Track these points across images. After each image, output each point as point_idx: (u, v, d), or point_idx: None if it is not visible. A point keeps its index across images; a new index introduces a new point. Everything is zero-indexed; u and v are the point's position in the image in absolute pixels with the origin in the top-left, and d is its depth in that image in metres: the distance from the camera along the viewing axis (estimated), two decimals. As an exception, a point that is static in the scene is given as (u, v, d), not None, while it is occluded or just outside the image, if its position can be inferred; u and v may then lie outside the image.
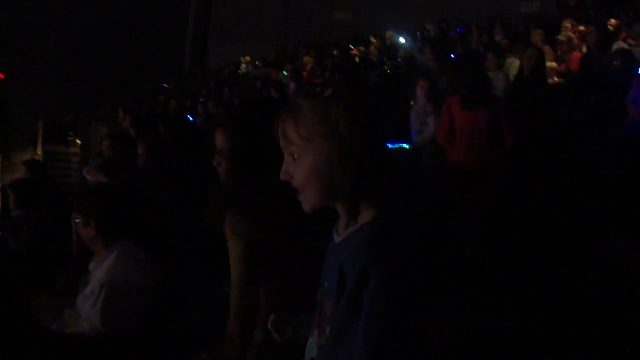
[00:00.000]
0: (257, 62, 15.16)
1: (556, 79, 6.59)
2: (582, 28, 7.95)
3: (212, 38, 19.78)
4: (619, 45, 6.62)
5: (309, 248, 2.10)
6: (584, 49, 7.21)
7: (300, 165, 1.32)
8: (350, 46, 12.80)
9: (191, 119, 10.62)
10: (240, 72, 15.34)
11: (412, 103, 5.71)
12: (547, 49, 7.30)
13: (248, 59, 16.23)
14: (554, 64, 6.95)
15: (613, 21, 7.64)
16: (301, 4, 17.69)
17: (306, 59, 12.53)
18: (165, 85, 13.57)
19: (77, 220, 2.93)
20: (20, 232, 4.48)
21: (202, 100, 11.42)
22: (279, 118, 1.37)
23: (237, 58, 16.61)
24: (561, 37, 7.76)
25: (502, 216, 4.32)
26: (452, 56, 8.31)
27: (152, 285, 2.92)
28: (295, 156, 1.33)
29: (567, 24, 8.42)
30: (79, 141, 10.18)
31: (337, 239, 1.39)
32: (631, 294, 3.34)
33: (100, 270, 2.89)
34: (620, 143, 4.37)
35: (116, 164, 4.68)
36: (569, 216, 4.00)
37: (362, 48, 12.22)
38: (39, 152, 10.05)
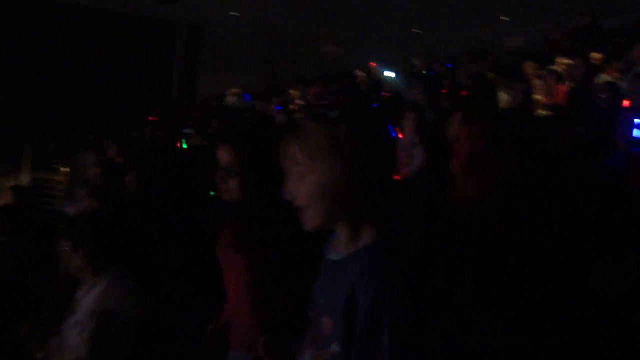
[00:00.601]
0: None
1: (543, 112, 6.65)
2: (566, 60, 8.03)
3: (200, 69, 19.90)
4: (604, 78, 6.71)
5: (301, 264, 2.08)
6: (570, 83, 7.30)
7: (305, 184, 1.33)
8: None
9: (179, 147, 10.65)
10: (224, 103, 15.37)
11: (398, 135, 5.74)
12: (537, 82, 7.40)
13: (234, 90, 16.30)
14: (542, 97, 7.04)
15: (597, 54, 7.76)
16: (290, 37, 17.83)
17: (292, 92, 12.67)
18: (151, 118, 13.53)
19: (65, 247, 2.89)
20: (3, 259, 4.40)
21: (188, 130, 11.40)
22: (283, 138, 1.38)
23: (224, 89, 16.70)
24: (548, 69, 7.85)
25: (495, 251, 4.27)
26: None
27: (141, 314, 2.88)
28: (300, 176, 1.33)
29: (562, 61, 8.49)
30: (63, 169, 10.11)
31: (336, 255, 1.39)
32: (623, 321, 3.35)
33: (88, 298, 2.84)
34: (607, 173, 4.41)
35: (107, 190, 4.67)
36: (559, 247, 4.00)
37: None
38: (24, 178, 9.97)
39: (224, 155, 2.15)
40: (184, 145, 10.77)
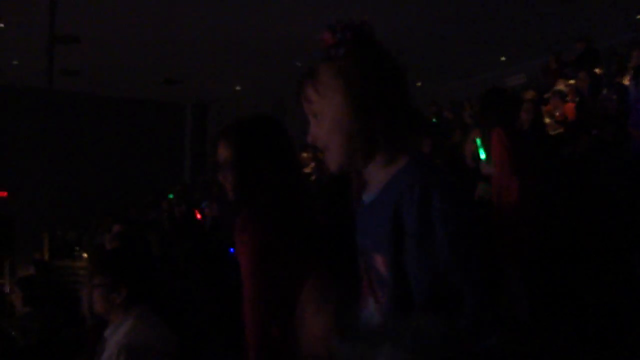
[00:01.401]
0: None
1: (555, 130, 6.65)
2: (572, 81, 8.10)
3: (210, 146, 20.15)
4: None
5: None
6: (576, 99, 7.32)
7: (322, 122, 1.37)
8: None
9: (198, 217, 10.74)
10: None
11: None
12: (542, 108, 7.42)
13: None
14: (550, 120, 7.05)
15: (598, 70, 7.84)
16: (297, 111, 18.12)
17: (304, 155, 12.81)
18: (171, 196, 13.68)
19: (101, 283, 2.78)
20: (29, 329, 4.35)
21: (205, 205, 11.51)
22: (300, 83, 1.41)
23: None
24: (552, 91, 7.90)
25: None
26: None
27: (173, 352, 2.78)
28: (317, 115, 1.38)
29: (560, 83, 8.59)
30: (85, 255, 10.14)
31: (371, 195, 1.37)
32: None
33: (116, 335, 2.74)
34: (630, 164, 4.35)
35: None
36: (597, 245, 3.91)
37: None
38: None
39: (223, 152, 2.14)
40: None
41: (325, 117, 1.36)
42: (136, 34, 12.28)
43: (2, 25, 11.52)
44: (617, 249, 3.69)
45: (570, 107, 7.12)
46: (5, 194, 15.42)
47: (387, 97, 1.32)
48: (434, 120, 11.61)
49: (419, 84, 16.11)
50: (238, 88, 17.83)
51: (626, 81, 6.50)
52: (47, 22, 10.65)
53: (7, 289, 7.71)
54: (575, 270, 3.89)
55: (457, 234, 1.17)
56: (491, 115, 4.10)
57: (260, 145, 2.11)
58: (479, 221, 1.26)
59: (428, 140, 5.38)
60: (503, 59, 15.17)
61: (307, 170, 10.88)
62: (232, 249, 6.87)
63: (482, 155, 4.20)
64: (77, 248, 10.64)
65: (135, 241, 4.62)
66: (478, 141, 4.24)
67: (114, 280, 2.70)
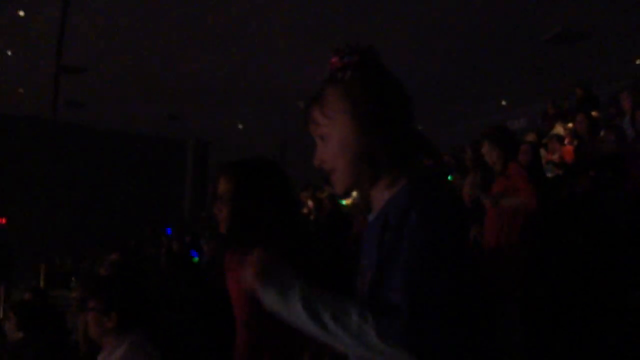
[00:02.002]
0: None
1: (552, 172, 6.67)
2: (570, 125, 8.16)
3: (210, 183, 20.19)
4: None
5: None
6: (574, 142, 7.37)
7: (329, 144, 1.38)
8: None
9: (195, 255, 10.71)
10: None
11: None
12: (541, 151, 7.48)
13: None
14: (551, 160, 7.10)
15: (595, 113, 7.93)
16: (296, 146, 18.27)
17: (303, 194, 12.83)
18: (169, 232, 13.64)
19: (94, 308, 2.78)
20: (21, 355, 4.30)
21: (204, 242, 11.48)
22: (306, 107, 1.43)
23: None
24: (550, 135, 7.96)
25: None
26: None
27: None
28: (324, 138, 1.39)
29: (558, 127, 8.69)
30: (78, 284, 10.07)
31: (371, 217, 1.40)
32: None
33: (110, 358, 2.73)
34: (627, 202, 4.37)
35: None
36: (592, 279, 3.90)
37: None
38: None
39: (221, 185, 2.19)
40: (195, 260, 10.93)
41: (332, 139, 1.37)
42: (142, 68, 12.44)
43: (9, 52, 11.67)
44: (615, 288, 3.68)
45: (568, 149, 7.17)
46: (4, 220, 15.43)
47: (392, 120, 1.34)
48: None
49: (419, 127, 16.26)
50: (240, 126, 17.96)
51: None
52: (55, 52, 10.77)
53: (0, 315, 7.63)
54: (573, 310, 3.87)
55: (421, 250, 1.17)
56: (504, 150, 4.15)
57: (258, 181, 2.16)
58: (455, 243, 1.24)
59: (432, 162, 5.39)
60: (504, 103, 15.31)
61: (306, 210, 10.88)
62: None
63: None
64: (74, 279, 10.55)
65: (130, 269, 4.61)
66: None
67: (105, 304, 2.70)
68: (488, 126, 4.58)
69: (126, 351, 2.67)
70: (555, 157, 7.22)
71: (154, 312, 3.16)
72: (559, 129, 8.44)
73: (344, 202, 9.67)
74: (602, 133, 6.63)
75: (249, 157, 2.30)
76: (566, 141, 7.60)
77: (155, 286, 5.18)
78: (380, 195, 1.36)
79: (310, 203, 11.18)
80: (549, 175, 6.35)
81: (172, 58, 12.00)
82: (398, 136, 1.34)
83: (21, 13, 9.84)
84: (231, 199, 2.14)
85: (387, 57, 1.40)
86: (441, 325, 1.14)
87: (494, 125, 4.45)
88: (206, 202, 19.95)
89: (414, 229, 1.18)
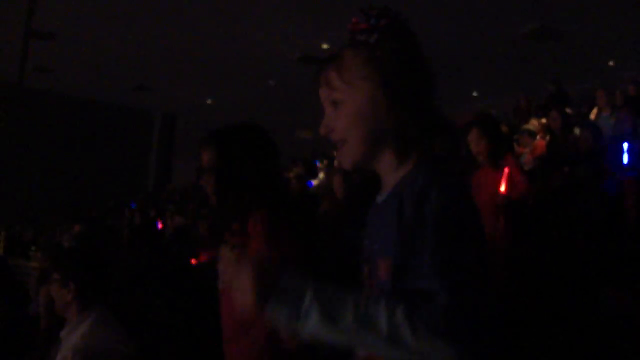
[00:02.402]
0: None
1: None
2: (544, 120, 8.23)
3: (177, 157, 20.02)
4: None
5: None
6: (547, 138, 7.44)
7: (343, 111, 1.25)
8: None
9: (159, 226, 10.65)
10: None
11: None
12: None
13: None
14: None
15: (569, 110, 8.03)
16: (265, 124, 18.12)
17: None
18: (133, 205, 13.47)
19: (55, 279, 2.69)
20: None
21: (169, 212, 11.37)
22: (320, 68, 1.30)
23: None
24: (522, 129, 8.02)
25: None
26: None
27: (131, 356, 2.66)
28: (338, 103, 1.26)
29: (534, 122, 8.75)
30: (40, 255, 9.86)
31: (380, 197, 1.30)
32: (631, 344, 3.25)
33: (73, 336, 2.62)
34: (602, 200, 4.41)
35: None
36: (564, 275, 3.93)
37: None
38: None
39: (204, 155, 2.13)
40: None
41: (347, 107, 1.25)
42: (113, 36, 12.18)
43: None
44: (589, 283, 3.71)
45: (541, 144, 7.23)
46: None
47: (421, 93, 1.24)
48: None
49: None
50: (209, 101, 17.75)
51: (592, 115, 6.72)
52: (24, 17, 10.45)
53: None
54: (542, 307, 3.89)
55: (447, 233, 1.08)
56: (494, 140, 3.99)
57: (240, 146, 2.10)
58: (476, 222, 1.16)
59: (446, 145, 5.33)
60: (475, 94, 15.41)
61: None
62: (192, 261, 6.79)
63: None
64: (33, 248, 10.33)
65: (94, 242, 4.49)
66: None
67: (63, 276, 2.64)
68: (458, 115, 4.42)
69: (90, 327, 2.60)
70: (526, 151, 7.27)
71: (116, 286, 3.10)
72: (533, 123, 8.51)
73: (314, 182, 9.65)
74: (576, 130, 6.73)
75: (233, 123, 2.21)
76: (538, 136, 7.66)
77: (119, 259, 5.06)
78: (391, 175, 1.26)
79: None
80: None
81: (143, 28, 11.76)
82: (425, 112, 1.24)
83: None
84: (214, 167, 2.08)
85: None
86: (477, 309, 1.04)
87: (484, 112, 4.34)
88: (171, 176, 19.78)
89: (437, 210, 1.09)
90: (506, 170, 3.89)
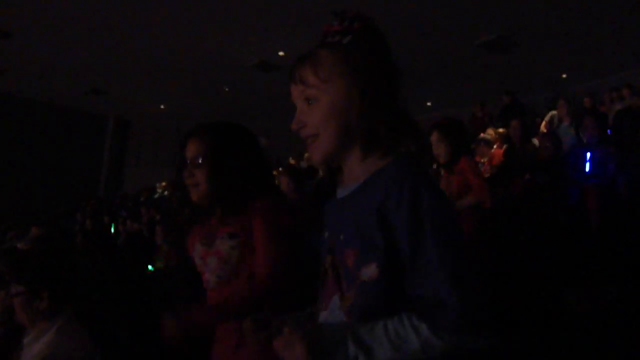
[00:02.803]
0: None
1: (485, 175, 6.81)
2: (501, 130, 8.38)
3: (128, 163, 19.72)
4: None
5: None
6: (504, 147, 7.57)
7: (317, 107, 1.31)
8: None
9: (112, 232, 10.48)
10: (156, 196, 15.21)
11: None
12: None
13: (164, 183, 16.14)
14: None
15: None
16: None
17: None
18: (83, 205, 13.20)
19: (18, 290, 2.53)
20: None
21: (122, 217, 11.21)
22: (295, 65, 1.35)
23: (152, 183, 16.52)
24: (478, 139, 8.14)
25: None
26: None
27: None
28: (311, 100, 1.31)
29: (490, 131, 8.92)
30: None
31: (347, 190, 1.34)
32: (597, 342, 3.32)
33: (38, 343, 2.49)
34: (564, 206, 4.51)
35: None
36: (530, 275, 3.99)
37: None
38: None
39: (191, 148, 2.11)
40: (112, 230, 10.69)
41: (321, 103, 1.30)
42: (68, 37, 11.87)
43: None
44: (551, 287, 3.77)
45: (498, 152, 7.35)
46: None
47: (392, 92, 1.30)
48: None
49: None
50: (162, 107, 17.53)
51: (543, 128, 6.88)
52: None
53: None
54: (512, 309, 3.93)
55: (446, 237, 1.15)
56: (453, 143, 3.99)
57: (232, 140, 2.12)
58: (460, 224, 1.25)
59: (414, 143, 5.35)
60: (429, 104, 15.61)
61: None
62: (150, 267, 6.67)
63: None
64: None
65: (56, 245, 4.34)
66: None
67: (33, 285, 2.48)
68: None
69: (56, 334, 2.47)
70: (484, 160, 7.38)
71: (82, 290, 2.99)
72: (490, 133, 8.65)
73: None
74: (534, 139, 6.89)
75: (217, 120, 2.22)
76: (495, 145, 7.79)
77: (77, 264, 4.91)
78: (356, 169, 1.32)
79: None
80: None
81: (100, 31, 11.53)
82: (395, 110, 1.30)
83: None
84: (207, 158, 2.07)
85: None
86: (483, 305, 1.12)
87: (447, 117, 4.38)
88: (122, 181, 19.44)
89: (433, 211, 1.15)
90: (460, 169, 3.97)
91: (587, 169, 4.62)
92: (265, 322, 1.35)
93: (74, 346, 2.49)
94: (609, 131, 5.90)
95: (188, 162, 2.11)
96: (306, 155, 9.99)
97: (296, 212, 2.10)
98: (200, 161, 2.07)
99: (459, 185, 3.96)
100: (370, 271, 1.18)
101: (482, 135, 8.69)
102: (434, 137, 4.06)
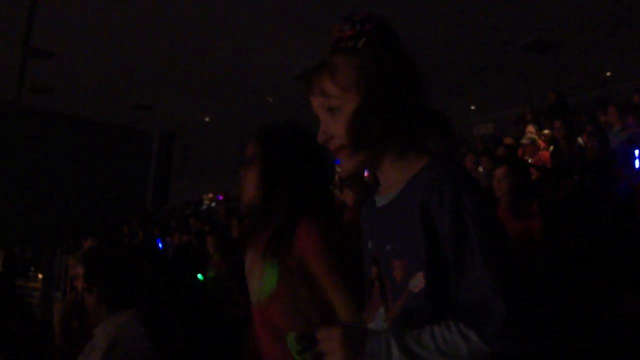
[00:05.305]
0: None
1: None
2: (546, 131, 8.26)
3: (174, 175, 19.99)
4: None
5: None
6: (551, 148, 7.46)
7: (342, 117, 1.26)
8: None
9: (160, 245, 10.60)
10: (203, 208, 15.42)
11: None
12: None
13: (210, 195, 16.36)
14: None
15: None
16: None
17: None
18: (131, 224, 13.45)
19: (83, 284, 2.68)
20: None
21: (170, 229, 11.37)
22: (313, 76, 1.31)
23: (198, 194, 16.74)
24: (524, 140, 8.04)
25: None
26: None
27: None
28: (335, 109, 1.27)
29: (530, 129, 8.82)
30: (40, 275, 9.82)
31: (387, 197, 1.30)
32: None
33: (106, 329, 2.61)
34: (615, 204, 4.43)
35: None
36: (580, 278, 3.91)
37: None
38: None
39: (250, 148, 2.06)
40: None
41: (346, 112, 1.25)
42: (111, 55, 12.17)
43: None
44: (605, 291, 3.69)
45: (545, 155, 7.25)
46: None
47: (415, 92, 1.27)
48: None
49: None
50: (207, 119, 17.75)
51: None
52: (22, 35, 10.45)
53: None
54: (565, 313, 3.87)
55: (491, 240, 1.12)
56: (524, 187, 3.82)
57: (289, 141, 2.02)
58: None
59: (445, 141, 5.33)
60: (473, 107, 15.47)
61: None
62: (200, 276, 6.77)
63: None
64: (33, 268, 10.29)
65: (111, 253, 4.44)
66: None
67: (88, 282, 2.64)
68: (456, 131, 4.30)
69: (124, 323, 2.58)
70: (534, 160, 7.29)
71: (142, 292, 3.08)
72: (530, 130, 8.57)
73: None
74: (579, 139, 6.78)
75: (281, 121, 2.14)
76: (542, 146, 7.69)
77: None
78: (394, 175, 1.28)
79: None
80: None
81: (143, 45, 11.76)
82: (422, 109, 1.27)
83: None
84: (260, 158, 1.99)
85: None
86: (528, 310, 1.09)
87: (516, 157, 4.17)
88: (168, 194, 19.73)
89: (477, 214, 1.11)
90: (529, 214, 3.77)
91: (637, 165, 4.53)
92: (310, 337, 1.30)
93: (139, 338, 2.59)
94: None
95: (246, 158, 2.05)
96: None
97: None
98: (252, 160, 2.00)
99: (524, 232, 3.72)
100: (417, 281, 1.16)
101: (527, 135, 8.60)
102: (501, 172, 3.84)
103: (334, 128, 1.27)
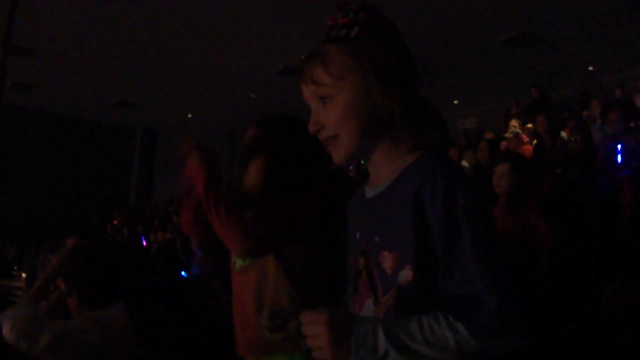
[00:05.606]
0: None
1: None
2: (530, 125, 8.31)
3: (157, 173, 19.91)
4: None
5: None
6: (534, 142, 7.50)
7: (333, 106, 1.24)
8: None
9: (145, 243, 10.59)
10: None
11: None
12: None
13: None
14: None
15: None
16: (244, 134, 18.16)
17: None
18: (115, 221, 13.37)
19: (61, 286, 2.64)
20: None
21: (154, 227, 11.34)
22: (304, 65, 1.28)
23: (182, 191, 16.64)
24: (507, 134, 8.10)
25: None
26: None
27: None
28: (326, 99, 1.24)
29: (514, 123, 8.88)
30: (23, 274, 9.73)
31: (378, 189, 1.28)
32: (633, 338, 3.26)
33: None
34: (598, 198, 4.47)
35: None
36: (564, 271, 3.93)
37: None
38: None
39: (251, 132, 2.10)
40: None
41: (338, 100, 1.23)
42: (93, 52, 12.10)
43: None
44: (589, 284, 3.72)
45: (528, 149, 7.29)
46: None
47: (409, 82, 1.23)
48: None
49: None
50: (189, 116, 17.69)
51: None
52: (3, 33, 10.32)
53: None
54: (547, 307, 3.90)
55: (483, 234, 1.11)
56: (526, 185, 3.89)
57: (291, 128, 2.08)
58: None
59: (438, 134, 5.34)
60: (456, 102, 15.52)
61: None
62: (183, 273, 6.74)
63: None
64: (16, 267, 10.19)
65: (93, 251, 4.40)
66: None
67: (67, 285, 2.60)
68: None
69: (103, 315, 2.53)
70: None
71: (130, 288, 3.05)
72: (513, 124, 8.62)
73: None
74: (562, 133, 6.81)
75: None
76: (525, 140, 7.74)
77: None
78: (385, 166, 1.27)
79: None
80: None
81: (124, 43, 11.71)
82: (416, 100, 1.24)
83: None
84: (263, 142, 2.04)
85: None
86: (519, 304, 1.09)
87: (519, 153, 4.18)
88: (152, 191, 19.63)
89: (468, 207, 1.10)
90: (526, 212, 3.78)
91: (619, 160, 4.57)
92: (282, 317, 1.26)
93: (119, 320, 2.55)
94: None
95: (246, 145, 2.10)
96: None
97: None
98: (256, 147, 2.05)
99: (517, 227, 3.72)
100: (405, 273, 1.15)
101: (511, 129, 8.65)
102: (503, 169, 3.82)
103: (325, 118, 1.25)
